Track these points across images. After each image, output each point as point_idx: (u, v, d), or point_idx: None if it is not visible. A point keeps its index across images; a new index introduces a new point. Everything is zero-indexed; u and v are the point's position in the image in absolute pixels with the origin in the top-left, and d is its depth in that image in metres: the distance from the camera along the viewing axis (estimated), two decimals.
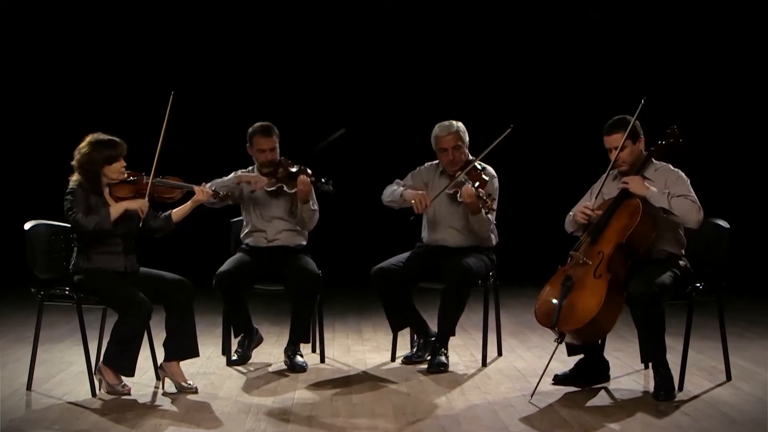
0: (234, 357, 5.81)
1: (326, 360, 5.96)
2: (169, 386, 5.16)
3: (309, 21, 10.07)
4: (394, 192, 5.85)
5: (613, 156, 5.12)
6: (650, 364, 5.04)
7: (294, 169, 5.77)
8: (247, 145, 5.92)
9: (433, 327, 5.79)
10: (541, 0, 10.05)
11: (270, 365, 5.82)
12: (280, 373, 5.60)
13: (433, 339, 5.74)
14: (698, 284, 5.15)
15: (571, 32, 10.05)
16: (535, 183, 10.17)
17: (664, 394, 4.86)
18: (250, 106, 9.41)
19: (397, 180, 5.96)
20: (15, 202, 9.93)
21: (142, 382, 5.26)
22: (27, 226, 5.19)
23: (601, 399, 4.98)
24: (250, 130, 5.89)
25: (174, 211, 5.32)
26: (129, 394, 5.03)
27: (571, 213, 5.27)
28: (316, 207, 5.88)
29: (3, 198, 10.11)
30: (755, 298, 8.46)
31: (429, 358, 5.72)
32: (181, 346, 5.14)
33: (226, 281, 5.68)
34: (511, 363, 5.82)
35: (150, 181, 5.16)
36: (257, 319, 6.21)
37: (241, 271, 5.74)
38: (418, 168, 5.99)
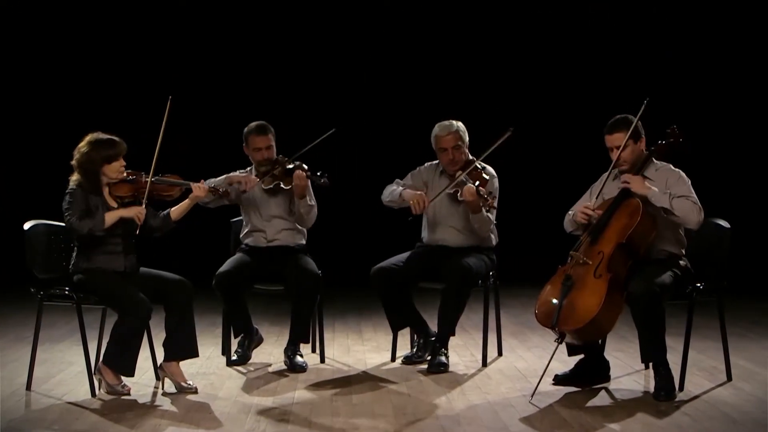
0: (234, 357, 5.81)
1: (326, 360, 5.95)
2: (169, 386, 5.16)
3: (309, 21, 10.06)
4: (393, 192, 5.84)
5: (614, 155, 5.11)
6: (651, 364, 5.03)
7: (290, 166, 5.78)
8: (244, 145, 5.93)
9: (433, 327, 5.79)
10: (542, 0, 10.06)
11: (270, 365, 5.81)
12: (280, 373, 5.60)
13: (433, 339, 5.74)
14: (699, 284, 5.14)
15: (570, 32, 10.05)
16: (535, 183, 10.16)
17: (664, 395, 4.86)
18: (250, 107, 9.40)
19: (397, 180, 5.96)
20: (15, 202, 9.93)
21: (141, 382, 5.26)
22: (26, 226, 5.19)
23: (601, 399, 4.97)
24: (245, 129, 5.91)
25: (173, 209, 5.33)
26: (129, 394, 5.02)
27: (570, 212, 5.27)
28: (313, 202, 5.88)
29: (3, 198, 10.11)
30: (756, 298, 8.45)
31: (429, 358, 5.71)
32: (181, 347, 5.14)
33: (226, 281, 5.68)
34: (512, 363, 5.82)
35: (149, 180, 5.16)
36: (257, 319, 6.20)
37: (241, 271, 5.74)
38: (418, 168, 5.99)
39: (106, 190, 5.15)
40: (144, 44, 9.96)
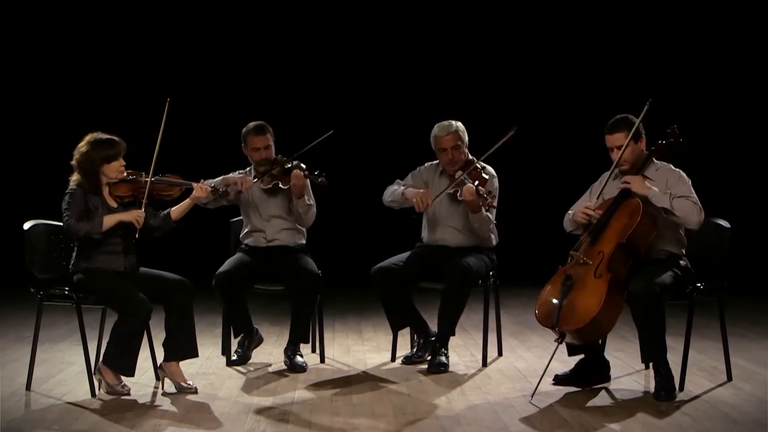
0: (234, 357, 5.80)
1: (326, 360, 5.95)
2: (169, 386, 5.15)
3: (308, 21, 10.06)
4: (395, 192, 5.84)
5: (615, 155, 5.11)
6: (651, 364, 5.03)
7: (288, 166, 5.78)
8: (242, 145, 5.93)
9: (433, 327, 5.79)
10: (542, 0, 10.06)
11: (270, 365, 5.81)
12: (280, 373, 5.59)
13: (433, 339, 5.73)
14: (699, 284, 5.14)
15: (570, 32, 10.04)
16: (535, 183, 10.16)
17: (664, 395, 4.85)
18: (250, 107, 9.39)
19: (397, 180, 5.95)
20: (14, 202, 9.92)
21: (141, 383, 5.26)
22: (26, 225, 5.19)
23: (601, 399, 4.97)
24: (244, 129, 5.91)
25: (173, 209, 5.32)
26: (128, 394, 5.02)
27: (570, 212, 5.26)
28: (312, 202, 5.87)
29: (3, 198, 10.11)
30: (756, 298, 8.45)
31: (429, 358, 5.71)
32: (181, 347, 5.14)
33: (226, 281, 5.68)
34: (512, 363, 5.82)
35: (149, 180, 5.16)
36: (257, 319, 6.20)
37: (241, 272, 5.74)
38: (418, 168, 5.99)
39: (105, 190, 5.15)
40: (143, 44, 9.96)
